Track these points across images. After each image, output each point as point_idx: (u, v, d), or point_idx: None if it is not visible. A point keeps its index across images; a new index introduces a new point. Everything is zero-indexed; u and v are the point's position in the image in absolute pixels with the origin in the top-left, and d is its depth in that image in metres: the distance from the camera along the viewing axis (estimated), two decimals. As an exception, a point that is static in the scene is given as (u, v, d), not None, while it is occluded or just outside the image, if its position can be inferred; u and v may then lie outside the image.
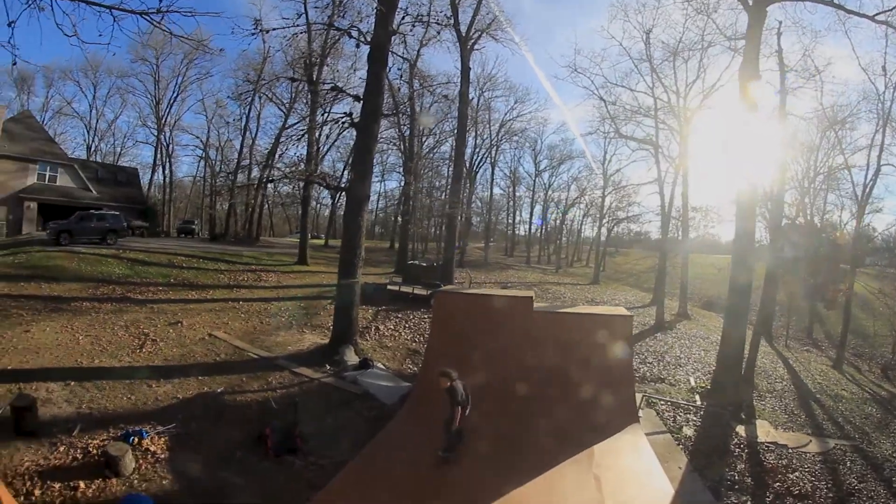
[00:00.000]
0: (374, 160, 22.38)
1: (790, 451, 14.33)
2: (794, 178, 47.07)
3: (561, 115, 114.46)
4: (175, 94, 72.44)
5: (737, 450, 14.25)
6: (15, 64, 18.61)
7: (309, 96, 45.82)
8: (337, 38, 40.95)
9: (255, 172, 64.75)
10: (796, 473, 12.96)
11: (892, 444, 18.54)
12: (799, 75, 35.17)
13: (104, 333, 18.86)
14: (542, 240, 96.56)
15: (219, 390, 15.22)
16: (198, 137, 76.47)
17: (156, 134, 73.43)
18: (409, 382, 17.94)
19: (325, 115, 44.80)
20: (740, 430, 15.55)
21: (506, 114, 73.81)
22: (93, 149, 75.59)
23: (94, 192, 53.97)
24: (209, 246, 47.96)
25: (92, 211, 39.95)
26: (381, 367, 19.31)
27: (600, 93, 47.02)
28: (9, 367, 14.79)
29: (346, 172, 67.30)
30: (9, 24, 10.27)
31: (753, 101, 18.54)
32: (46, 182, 51.01)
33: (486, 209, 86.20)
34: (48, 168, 51.38)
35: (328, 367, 18.34)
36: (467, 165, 63.37)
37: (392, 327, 24.83)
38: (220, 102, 72.81)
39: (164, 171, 76.68)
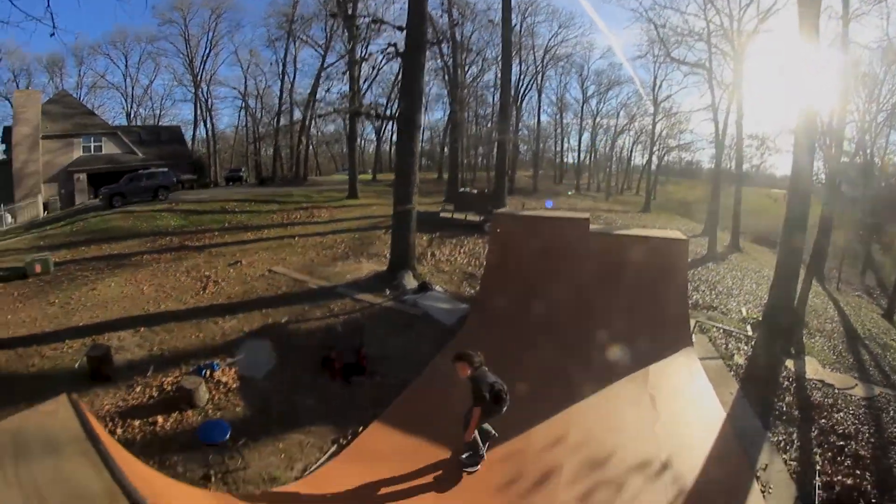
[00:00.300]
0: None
1: (836, 391, 14.09)
2: (854, 113, 43.92)
3: (607, 39, 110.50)
4: (207, 51, 72.18)
5: (785, 382, 14.18)
6: (53, 35, 18.80)
7: (345, 33, 45.42)
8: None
9: (297, 115, 64.91)
10: (841, 414, 12.72)
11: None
12: (863, 1, 32.85)
13: (167, 281, 19.26)
14: (591, 167, 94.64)
15: (283, 320, 15.46)
16: (235, 88, 76.52)
17: (193, 91, 73.54)
18: (467, 304, 18.03)
19: (365, 49, 44.24)
20: (789, 363, 15.41)
21: (549, 39, 71.45)
22: (132, 115, 76.25)
23: (139, 154, 54.82)
24: (258, 190, 48.52)
25: (140, 171, 40.61)
26: (440, 289, 19.32)
27: (649, 14, 45.31)
28: (80, 324, 15.14)
29: (389, 106, 66.94)
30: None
31: (813, 27, 17.24)
32: (92, 153, 52.20)
33: (533, 137, 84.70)
34: (91, 139, 52.52)
35: (388, 293, 18.47)
36: (513, 93, 61.89)
37: (447, 253, 24.85)
38: (253, 52, 72.68)
39: (205, 126, 77.13)
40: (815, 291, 26.98)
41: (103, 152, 52.72)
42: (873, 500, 9.25)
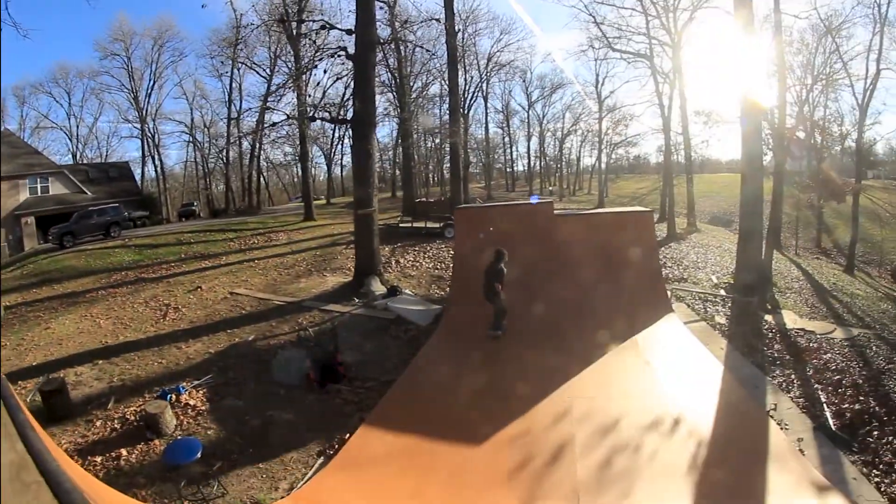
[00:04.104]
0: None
1: (818, 336, 14.82)
2: (794, 86, 45.19)
3: (547, 42, 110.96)
4: (151, 83, 70.18)
5: (769, 334, 14.86)
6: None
7: (291, 52, 44.92)
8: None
9: (246, 145, 64.02)
10: (829, 354, 13.40)
11: (914, 334, 19.32)
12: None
13: (124, 313, 18.34)
14: (542, 172, 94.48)
15: (250, 338, 14.80)
16: (182, 122, 74.87)
17: (139, 127, 71.64)
18: (439, 305, 17.68)
19: (312, 63, 43.80)
20: (768, 318, 16.12)
21: (492, 46, 70.66)
22: (78, 156, 73.59)
23: (88, 193, 52.94)
24: (213, 221, 47.62)
25: (90, 208, 39.39)
26: (409, 293, 18.90)
27: (588, 10, 45.37)
28: (34, 363, 14.11)
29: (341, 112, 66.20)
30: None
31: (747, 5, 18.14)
32: (39, 194, 50.27)
33: (482, 148, 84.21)
34: (38, 180, 50.46)
35: (356, 300, 17.89)
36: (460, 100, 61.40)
37: (412, 259, 24.45)
38: (198, 83, 71.16)
39: (154, 162, 75.10)
40: (777, 258, 28.18)
41: (51, 193, 50.67)
42: (885, 418, 9.80)
